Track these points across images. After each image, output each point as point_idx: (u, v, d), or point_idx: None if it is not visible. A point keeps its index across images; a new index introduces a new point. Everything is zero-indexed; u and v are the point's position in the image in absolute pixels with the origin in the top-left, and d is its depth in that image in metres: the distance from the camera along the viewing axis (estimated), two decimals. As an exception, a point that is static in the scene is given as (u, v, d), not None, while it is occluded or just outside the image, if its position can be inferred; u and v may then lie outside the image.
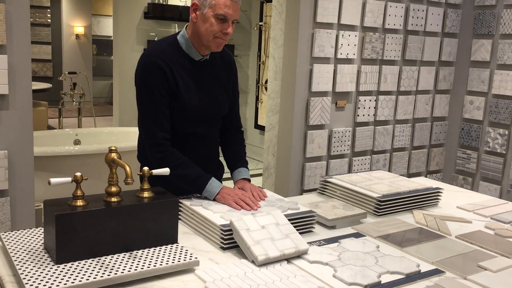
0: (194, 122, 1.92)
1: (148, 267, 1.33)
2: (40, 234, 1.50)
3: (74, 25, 11.07)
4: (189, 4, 6.39)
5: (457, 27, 4.32)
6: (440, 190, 2.14)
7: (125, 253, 1.40)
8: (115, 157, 1.40)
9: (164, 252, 1.43)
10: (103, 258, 1.36)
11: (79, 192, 1.36)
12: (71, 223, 1.32)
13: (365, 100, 3.85)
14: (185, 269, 1.39)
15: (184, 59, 1.87)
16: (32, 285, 1.20)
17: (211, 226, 1.61)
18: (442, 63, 4.32)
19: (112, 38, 6.19)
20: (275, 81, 3.78)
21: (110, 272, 1.29)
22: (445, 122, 4.48)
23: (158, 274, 1.34)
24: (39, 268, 1.29)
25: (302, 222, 1.71)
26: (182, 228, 1.72)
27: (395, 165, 4.18)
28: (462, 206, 2.13)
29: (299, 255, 1.52)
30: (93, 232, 1.35)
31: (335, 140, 3.73)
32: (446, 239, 1.75)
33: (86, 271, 1.28)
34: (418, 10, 4.01)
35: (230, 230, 1.54)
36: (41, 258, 1.34)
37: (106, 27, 11.62)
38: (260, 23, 6.47)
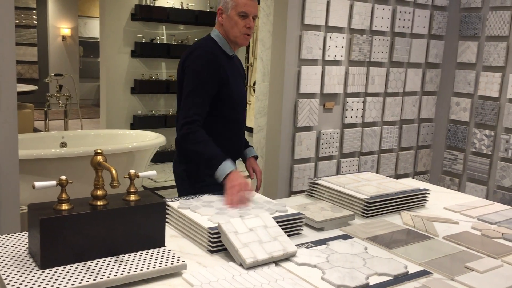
0: (237, 109, 2.21)
1: (135, 271, 1.32)
2: (25, 239, 1.47)
3: (61, 27, 10.98)
4: (176, 5, 6.36)
5: (443, 29, 4.36)
6: (427, 191, 2.15)
7: (111, 257, 1.38)
8: (101, 160, 1.38)
9: (151, 255, 1.41)
10: (89, 262, 1.34)
11: (64, 196, 1.34)
12: (56, 228, 1.30)
13: (353, 102, 3.87)
14: (173, 273, 1.38)
15: (223, 54, 2.17)
16: (16, 290, 1.17)
17: (198, 229, 1.60)
18: (429, 65, 4.36)
19: (99, 40, 6.15)
20: (263, 83, 3.78)
21: (96, 276, 1.27)
22: (432, 124, 4.52)
23: (145, 278, 1.33)
24: (23, 273, 1.26)
25: (290, 224, 1.70)
26: (169, 231, 1.70)
27: (383, 166, 4.20)
28: (449, 207, 2.15)
29: (287, 257, 1.51)
30: (78, 236, 1.33)
31: (323, 141, 3.74)
32: (434, 240, 1.75)
33: (71, 276, 1.26)
34: (405, 12, 4.04)
35: (218, 233, 1.53)
36: (25, 263, 1.32)
37: (93, 29, 11.54)
38: (248, 25, 6.47)
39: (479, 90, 4.19)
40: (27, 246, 1.42)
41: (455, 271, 1.49)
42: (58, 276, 1.25)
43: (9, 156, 2.28)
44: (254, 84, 6.06)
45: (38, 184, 1.30)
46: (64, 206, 1.34)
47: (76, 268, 1.30)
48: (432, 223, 1.92)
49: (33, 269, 1.29)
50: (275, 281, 1.37)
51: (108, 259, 1.37)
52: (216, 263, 1.48)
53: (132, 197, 1.45)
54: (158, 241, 1.48)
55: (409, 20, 4.07)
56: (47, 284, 1.21)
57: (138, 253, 1.42)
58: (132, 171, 1.47)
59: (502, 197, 4.06)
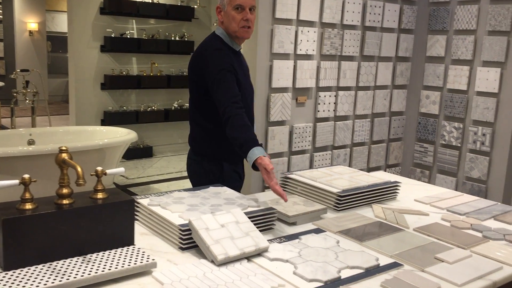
0: (247, 104, 2.16)
1: (103, 271, 1.28)
2: (-13, 240, 1.42)
3: (27, 21, 10.69)
4: (147, -1, 6.26)
5: (413, 23, 4.41)
6: (398, 184, 2.17)
7: (78, 257, 1.34)
8: (66, 158, 1.34)
9: (120, 254, 1.38)
10: (54, 263, 1.30)
11: (27, 195, 1.30)
12: (19, 228, 1.25)
13: (325, 96, 3.88)
14: (142, 272, 1.35)
15: (230, 50, 2.16)
16: (-24, 294, 1.13)
17: (169, 226, 1.57)
18: (399, 59, 4.41)
19: (67, 35, 6.00)
20: (235, 78, 3.74)
21: (62, 277, 1.23)
22: (403, 117, 4.58)
23: (114, 277, 1.30)
24: (-15, 276, 1.22)
25: (263, 220, 1.69)
26: (139, 229, 1.67)
27: (355, 159, 4.24)
28: (419, 199, 2.17)
29: (259, 253, 1.50)
30: (43, 236, 1.29)
31: (296, 136, 3.74)
32: (404, 232, 1.77)
33: (36, 277, 1.22)
34: (375, 6, 4.06)
35: (189, 229, 1.51)
36: (-13, 265, 1.27)
37: (61, 23, 11.28)
38: (220, 19, 6.42)
39: (448, 83, 4.26)
40: (-11, 247, 1.37)
41: (425, 263, 1.51)
42: (22, 278, 1.21)
43: (-28, 154, 2.20)
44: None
45: (-1, 183, 1.25)
46: (28, 206, 1.29)
47: (41, 269, 1.26)
48: (403, 215, 1.94)
49: (-5, 271, 1.24)
50: (247, 277, 1.35)
51: (75, 259, 1.33)
52: (187, 261, 1.45)
53: (100, 195, 1.41)
54: (127, 240, 1.44)
55: (379, 14, 4.10)
56: (10, 287, 1.17)
57: (107, 252, 1.38)
58: (99, 168, 1.43)
59: (471, 188, 4.15)
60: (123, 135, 4.56)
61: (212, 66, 2.09)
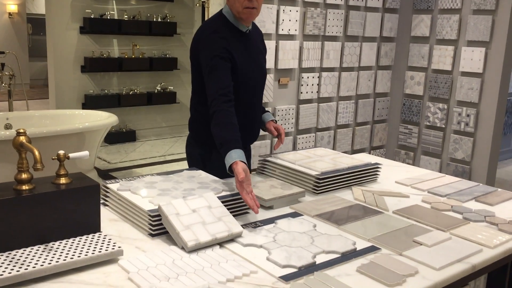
0: (249, 91, 2.07)
1: (65, 259, 1.22)
2: None
3: (7, 3, 10.41)
4: (127, -21, 6.09)
5: (397, 2, 4.33)
6: (379, 166, 2.12)
7: (39, 246, 1.28)
8: (24, 141, 1.26)
9: (85, 242, 1.32)
10: (14, 252, 1.23)
11: (-18, 181, 1.22)
12: (-27, 216, 1.18)
13: (308, 77, 3.81)
14: (108, 260, 1.29)
15: (234, 31, 2.03)
16: None
17: (138, 212, 1.51)
18: (384, 39, 4.34)
19: (46, 16, 5.83)
20: (216, 59, 3.65)
21: (21, 266, 1.17)
22: (387, 98, 4.53)
23: (76, 266, 1.23)
24: None
25: (237, 204, 1.63)
26: (108, 214, 1.60)
27: (340, 142, 4.19)
28: (400, 181, 2.13)
29: (232, 238, 1.45)
30: (2, 224, 1.22)
31: (279, 118, 3.68)
32: (384, 215, 1.72)
33: (-8, 268, 1.15)
34: (359, -15, 3.98)
35: (159, 215, 1.45)
36: None
37: (42, 5, 10.95)
38: (203, 0, 6.28)
39: (432, 64, 4.21)
40: None
41: (403, 246, 1.46)
42: (-23, 269, 1.14)
43: None
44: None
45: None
46: (-17, 192, 1.22)
47: (-1, 259, 1.20)
48: (382, 198, 1.89)
49: (-51, 262, 1.17)
50: (218, 264, 1.30)
51: (36, 247, 1.27)
52: (157, 247, 1.39)
53: (63, 180, 1.34)
54: (92, 227, 1.38)
55: (363, -7, 4.02)
56: (-37, 279, 1.10)
57: (70, 240, 1.32)
58: (61, 152, 1.35)
59: (454, 169, 4.13)
60: (103, 118, 4.46)
61: (206, 51, 1.96)
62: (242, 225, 1.54)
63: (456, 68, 4.07)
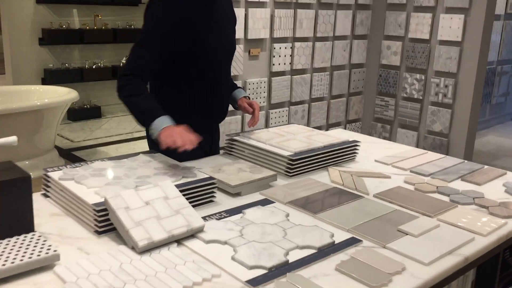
0: (216, 64, 1.86)
1: (-15, 270, 1.00)
2: None
3: (-40, -28, 9.74)
4: None
5: (374, -33, 4.12)
6: (357, 144, 1.95)
7: (-45, 253, 1.06)
8: None
9: (13, 246, 1.10)
10: None
11: None
12: None
13: (280, 48, 3.59)
14: (42, 267, 1.08)
15: None
16: None
17: (82, 206, 1.29)
18: (359, 6, 4.13)
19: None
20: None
21: None
22: (363, 69, 4.35)
23: (0, 277, 1.02)
24: None
25: (199, 192, 1.44)
26: (51, 208, 1.39)
27: (314, 116, 4.01)
28: (380, 160, 1.96)
29: (192, 234, 1.25)
30: None
31: (250, 92, 3.46)
32: (364, 199, 1.55)
33: None
34: None
35: (106, 209, 1.24)
36: None
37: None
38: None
39: (409, 32, 4.03)
40: None
41: (387, 237, 1.30)
42: None
43: None
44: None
45: None
46: None
47: None
48: (362, 179, 1.72)
49: None
50: (174, 266, 1.10)
51: (-50, 256, 1.05)
52: (103, 248, 1.19)
53: (-16, 173, 1.12)
54: (24, 226, 1.16)
55: (337, -43, 3.79)
56: None
57: (-6, 245, 1.10)
58: (-19, 138, 1.12)
59: (432, 142, 4.02)
60: (62, 94, 4.16)
61: (145, 19, 1.76)
62: (204, 217, 1.34)
63: (434, 37, 3.90)
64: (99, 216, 1.24)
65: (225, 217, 1.38)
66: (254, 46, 3.44)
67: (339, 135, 2.11)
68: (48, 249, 1.10)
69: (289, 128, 2.06)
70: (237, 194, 1.55)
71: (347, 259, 1.18)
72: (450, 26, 3.76)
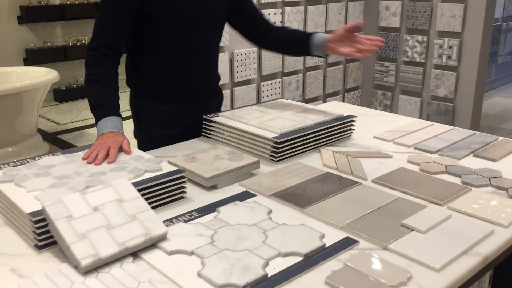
0: (188, 31, 1.63)
1: None
2: None
3: None
4: None
5: None
6: (353, 119, 1.71)
7: None
8: None
9: None
10: None
11: None
12: None
13: (269, 14, 3.31)
14: (-40, 299, 0.87)
15: None
16: None
17: (19, 214, 1.07)
18: (354, -35, 3.82)
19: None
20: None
21: None
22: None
23: None
24: None
25: (166, 189, 1.21)
26: (-11, 217, 1.17)
27: (310, 86, 3.75)
28: (379, 136, 1.72)
29: (152, 243, 1.03)
30: None
31: (238, 64, 3.21)
32: (361, 186, 1.33)
33: None
34: None
35: (45, 219, 1.02)
36: None
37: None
38: None
39: (409, -9, 3.73)
40: None
41: (388, 235, 1.07)
42: None
43: None
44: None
45: None
46: None
47: None
48: (359, 161, 1.49)
49: None
50: (125, 290, 0.89)
51: None
52: (43, 267, 0.97)
53: None
54: None
55: None
56: None
57: None
58: None
59: (437, 108, 3.77)
60: (41, 75, 3.91)
61: None
62: (171, 220, 1.13)
63: (436, -6, 3.61)
64: (38, 228, 1.02)
65: (195, 217, 1.16)
66: (240, 13, 3.16)
67: (334, 109, 1.87)
68: (-33, 277, 0.88)
69: (276, 104, 1.82)
70: (213, 187, 1.33)
71: (340, 267, 0.96)
72: (453, -19, 3.46)
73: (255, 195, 1.28)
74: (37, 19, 5.19)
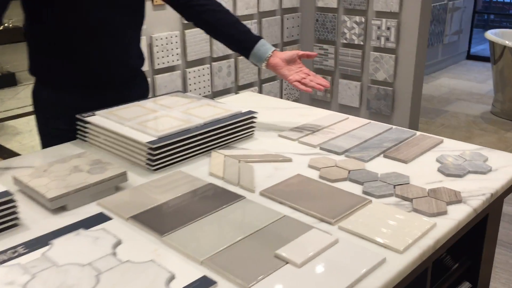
0: (88, 4, 1.39)
1: None
2: None
3: None
4: None
5: None
6: (254, 115, 1.48)
7: None
8: None
9: None
10: None
11: None
12: None
13: (192, -6, 3.03)
14: None
15: None
16: None
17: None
18: None
19: None
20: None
21: None
22: (298, 14, 3.84)
23: None
24: None
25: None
26: None
27: (243, 71, 3.52)
28: (284, 134, 1.51)
29: None
30: None
31: (159, 49, 2.93)
32: (244, 201, 1.11)
33: None
34: None
35: None
36: None
37: None
38: None
39: (345, -32, 3.52)
40: None
41: (256, 270, 0.86)
42: None
43: None
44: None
45: None
46: None
47: None
48: (251, 167, 1.28)
49: None
50: None
51: None
52: None
53: None
54: None
55: None
56: None
57: None
58: None
59: (377, 93, 3.61)
60: None
61: None
62: (-20, 262, 0.88)
63: (373, -28, 3.41)
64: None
65: (20, 255, 0.91)
66: (159, -7, 2.88)
67: (243, 102, 1.64)
68: None
69: (167, 100, 1.58)
70: (63, 209, 1.08)
71: (179, 325, 0.74)
72: (390, -42, 3.27)
73: (111, 219, 1.04)
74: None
